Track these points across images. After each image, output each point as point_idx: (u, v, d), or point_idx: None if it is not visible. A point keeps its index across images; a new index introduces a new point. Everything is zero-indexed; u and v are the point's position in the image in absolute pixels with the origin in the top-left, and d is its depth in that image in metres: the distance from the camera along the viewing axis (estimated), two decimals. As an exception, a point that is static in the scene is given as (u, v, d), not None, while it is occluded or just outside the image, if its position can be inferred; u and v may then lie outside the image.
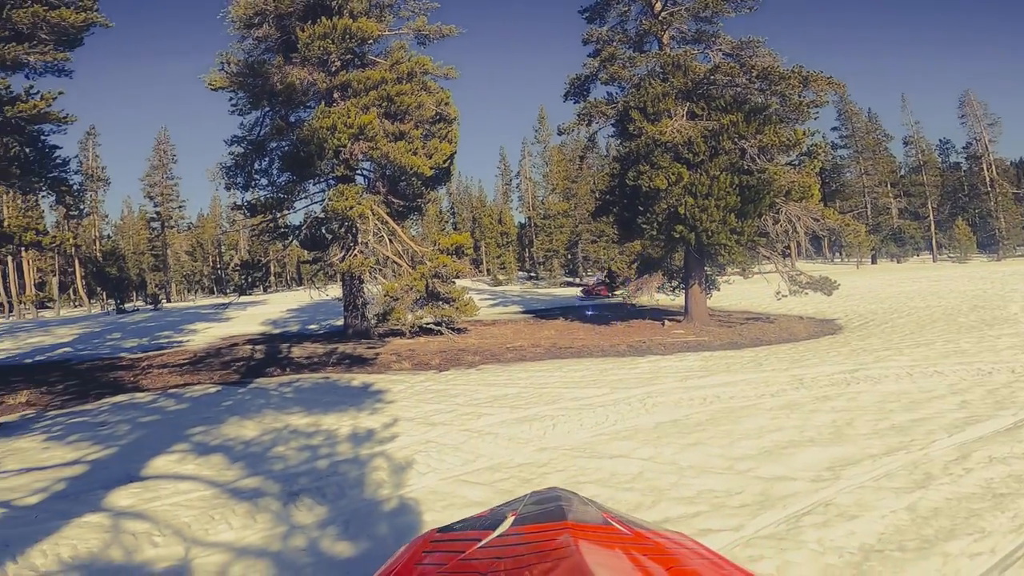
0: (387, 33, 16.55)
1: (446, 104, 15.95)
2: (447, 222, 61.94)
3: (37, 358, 15.26)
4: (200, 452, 6.02)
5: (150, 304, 36.70)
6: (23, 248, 12.83)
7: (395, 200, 16.45)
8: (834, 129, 53.07)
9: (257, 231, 17.59)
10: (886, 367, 8.34)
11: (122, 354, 15.32)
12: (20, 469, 5.71)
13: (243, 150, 16.73)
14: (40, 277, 45.84)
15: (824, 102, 15.56)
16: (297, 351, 14.61)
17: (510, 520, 1.48)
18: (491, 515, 1.65)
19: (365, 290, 16.64)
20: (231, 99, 16.22)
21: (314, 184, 16.94)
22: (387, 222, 15.41)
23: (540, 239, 52.27)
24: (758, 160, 14.96)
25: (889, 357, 9.17)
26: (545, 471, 4.99)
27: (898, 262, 50.17)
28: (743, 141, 14.85)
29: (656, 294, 19.39)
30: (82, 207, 40.02)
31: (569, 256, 51.85)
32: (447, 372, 11.22)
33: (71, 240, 13.47)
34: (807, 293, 16.66)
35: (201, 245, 59.54)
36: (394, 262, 15.29)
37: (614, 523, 1.39)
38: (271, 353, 14.58)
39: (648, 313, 20.07)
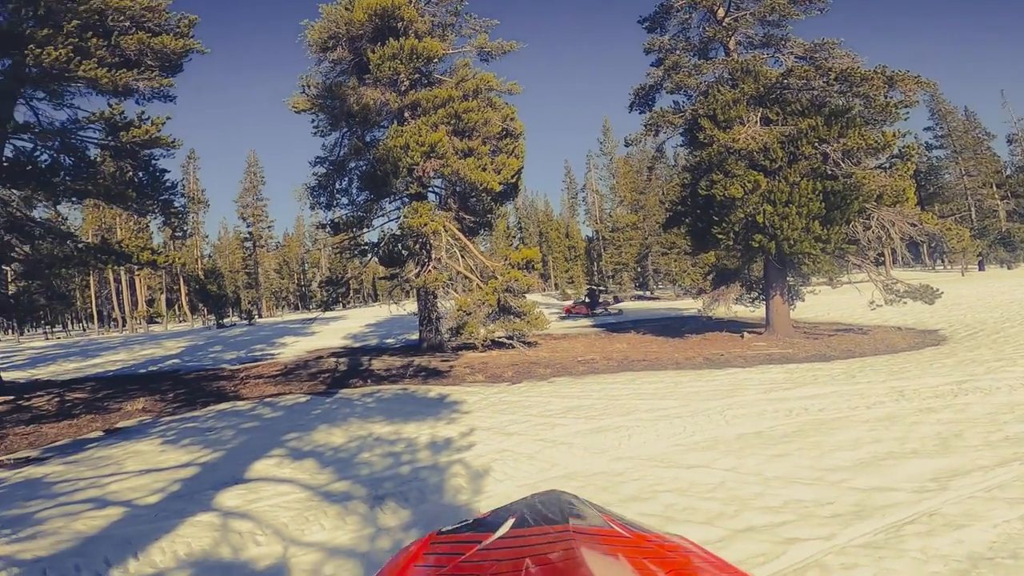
0: (451, 52, 17.04)
1: (511, 119, 16.19)
2: (514, 237, 62.68)
3: (150, 368, 16.90)
4: (295, 457, 6.43)
5: (245, 319, 39.64)
6: (139, 266, 14.12)
7: (466, 216, 16.88)
8: (927, 129, 49.23)
9: (339, 249, 18.60)
10: (998, 378, 7.60)
11: (223, 365, 16.66)
12: (140, 470, 6.21)
13: (325, 170, 17.68)
14: (149, 294, 50.87)
15: (914, 102, 14.53)
16: (377, 364, 15.29)
17: (510, 522, 1.47)
18: (492, 517, 1.65)
19: (439, 305, 17.15)
20: (313, 121, 17.32)
21: (390, 202, 17.60)
22: (459, 238, 15.87)
23: (609, 252, 51.69)
24: (843, 164, 14.15)
25: (1002, 368, 8.34)
26: (621, 480, 4.97)
27: (1008, 268, 45.18)
28: (824, 145, 14.11)
29: (733, 306, 18.64)
30: (186, 228, 43.89)
31: (639, 269, 50.88)
32: (520, 384, 11.36)
33: (180, 260, 14.87)
34: (905, 303, 15.42)
35: (287, 263, 63.67)
36: (466, 277, 15.69)
37: (615, 526, 1.38)
38: (353, 365, 15.35)
39: (725, 325, 19.31)
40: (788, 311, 17.03)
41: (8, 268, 12.97)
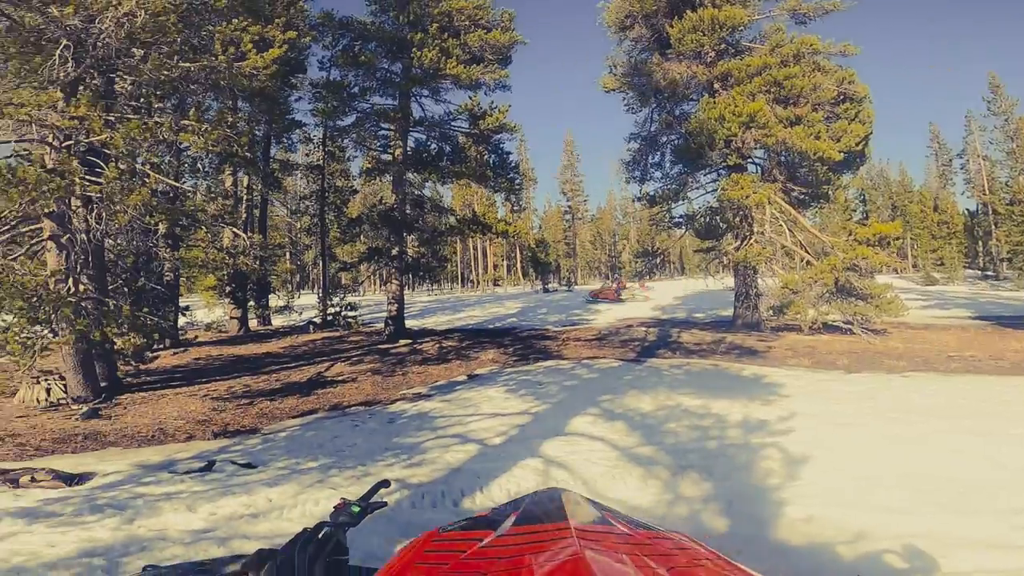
0: (757, 18, 15.58)
1: (850, 83, 14.20)
2: (853, 210, 52.69)
3: (496, 324, 20.52)
4: (607, 418, 6.91)
5: (565, 286, 44.39)
6: (495, 236, 17.23)
7: (794, 187, 15.15)
8: None
9: (652, 221, 18.93)
10: None
11: (548, 327, 19.05)
12: (490, 413, 7.37)
13: (639, 145, 18.13)
14: (494, 261, 61.53)
15: None
16: (686, 336, 15.12)
17: (511, 520, 1.45)
18: (492, 515, 1.62)
19: (759, 282, 15.85)
20: (623, 99, 17.86)
21: (705, 174, 17.11)
22: (786, 211, 14.30)
23: (1004, 229, 38.39)
24: None
25: None
26: (1003, 490, 3.86)
27: None
28: None
29: None
30: (521, 203, 51.35)
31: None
32: (858, 374, 9.63)
33: (523, 231, 17.55)
34: None
35: (600, 235, 67.85)
36: (792, 253, 14.09)
37: (615, 523, 1.38)
38: (662, 336, 15.54)
39: None
40: None
41: (412, 236, 17.48)
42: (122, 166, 8.36)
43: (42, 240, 8.44)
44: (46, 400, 8.29)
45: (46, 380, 8.48)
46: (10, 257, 8.00)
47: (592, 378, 9.90)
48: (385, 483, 1.89)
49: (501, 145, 16.31)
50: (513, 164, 16.63)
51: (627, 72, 16.76)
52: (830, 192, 15.84)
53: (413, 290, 53.72)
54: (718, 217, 16.69)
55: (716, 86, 15.48)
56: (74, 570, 3.23)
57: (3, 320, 7.48)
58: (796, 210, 14.82)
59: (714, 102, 14.36)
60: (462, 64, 14.28)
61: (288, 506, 4.21)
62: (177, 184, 11.40)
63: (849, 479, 4.41)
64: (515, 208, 48.23)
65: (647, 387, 8.69)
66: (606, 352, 13.20)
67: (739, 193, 13.69)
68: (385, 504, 1.87)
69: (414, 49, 13.91)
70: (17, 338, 7.16)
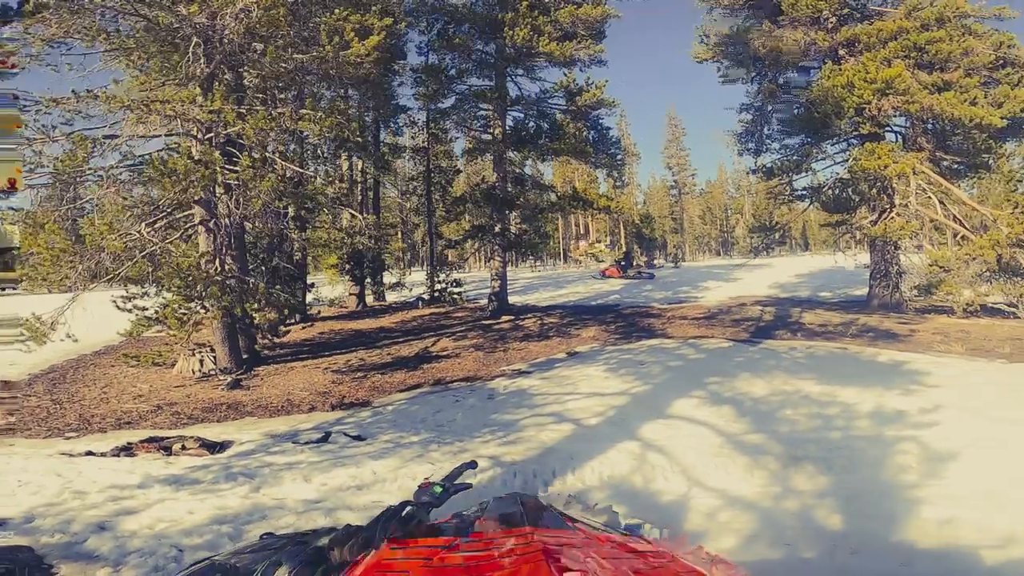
0: None
1: (1009, 47, 12.96)
2: (1019, 180, 44.78)
3: (599, 302, 20.19)
4: (713, 401, 6.52)
5: (671, 262, 42.59)
6: (597, 211, 16.99)
7: (945, 157, 13.71)
8: None
9: (771, 195, 17.56)
10: None
11: (652, 304, 18.38)
12: (588, 392, 7.24)
13: (751, 116, 16.97)
14: (598, 236, 60.55)
15: None
16: (809, 317, 13.84)
17: (473, 527, 1.46)
18: (455, 521, 1.63)
19: (901, 258, 14.14)
20: (717, 69, 16.73)
21: (832, 144, 15.63)
22: (936, 182, 12.75)
23: None
24: None
25: None
26: None
27: None
28: None
29: None
30: (623, 178, 50.03)
31: None
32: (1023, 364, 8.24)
33: (625, 206, 17.05)
34: None
35: (710, 210, 64.16)
36: (945, 227, 12.51)
37: (575, 527, 1.41)
38: (780, 316, 14.37)
39: None
40: None
41: (513, 213, 17.62)
42: (255, 155, 9.20)
43: (193, 225, 9.59)
44: (199, 371, 9.50)
45: (199, 352, 9.70)
46: (168, 241, 9.20)
47: (699, 359, 9.43)
48: (472, 464, 1.90)
49: (600, 121, 16.11)
50: (613, 139, 16.43)
51: (721, 41, 15.74)
52: (991, 161, 14.03)
53: (517, 266, 54.43)
54: (849, 189, 15.13)
55: (841, 52, 14.32)
56: (206, 537, 3.63)
57: (164, 298, 8.62)
58: (948, 180, 13.15)
59: (840, 69, 13.43)
60: (554, 41, 14.10)
61: (389, 479, 4.46)
62: (301, 170, 12.38)
63: (1006, 481, 3.78)
64: (617, 184, 46.93)
65: (761, 370, 8.08)
66: (715, 332, 12.48)
67: (875, 163, 12.30)
68: (470, 486, 1.87)
69: (505, 29, 13.92)
70: (175, 314, 8.23)
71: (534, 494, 2.23)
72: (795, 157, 16.09)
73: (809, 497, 3.90)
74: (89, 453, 5.53)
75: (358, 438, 5.79)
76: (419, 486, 1.78)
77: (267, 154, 10.38)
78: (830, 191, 15.65)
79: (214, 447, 5.62)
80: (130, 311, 8.46)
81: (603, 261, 35.15)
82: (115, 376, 9.66)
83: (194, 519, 3.89)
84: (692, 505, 3.93)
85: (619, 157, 16.98)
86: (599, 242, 46.68)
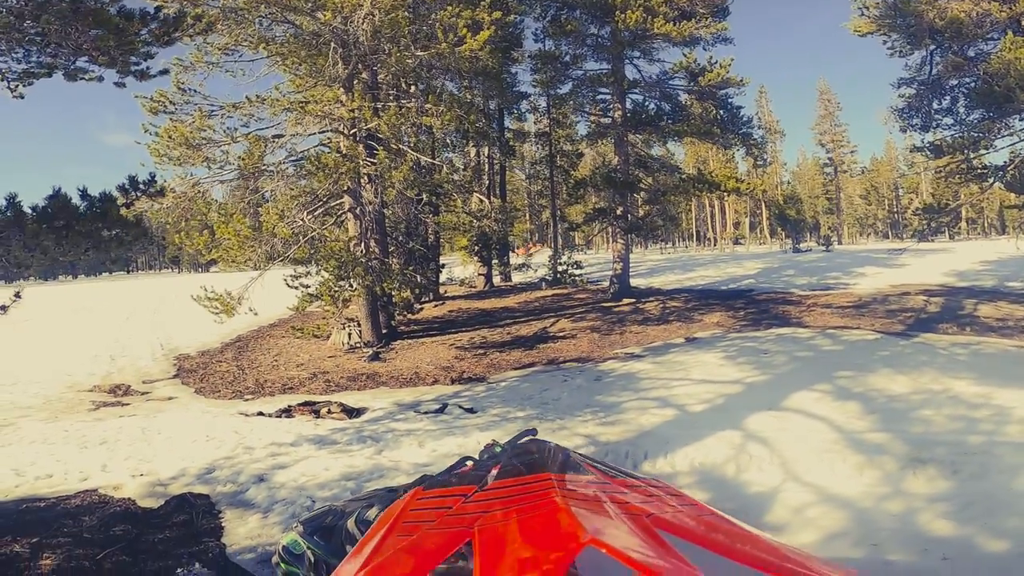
0: None
1: None
2: None
3: (730, 286, 19.09)
4: (838, 396, 6.01)
5: (822, 245, 38.34)
6: (726, 193, 16.12)
7: None
8: None
9: (944, 173, 15.27)
10: None
11: (792, 290, 16.96)
12: (699, 379, 7.04)
13: (915, 91, 14.88)
14: (736, 218, 56.40)
15: None
16: (986, 309, 11.91)
17: (493, 473, 1.49)
18: (475, 470, 1.69)
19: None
20: (884, 42, 14.68)
21: (1020, 119, 13.12)
22: None
23: None
24: None
25: None
26: None
27: None
28: None
29: None
30: (765, 157, 45.98)
31: None
32: None
33: (760, 186, 15.91)
34: None
35: (876, 188, 56.59)
36: None
37: (593, 471, 1.45)
38: (949, 308, 12.53)
39: None
40: None
41: (637, 195, 17.31)
42: (392, 147, 10.23)
43: (343, 212, 10.95)
44: (347, 343, 10.88)
45: (348, 326, 11.10)
46: (325, 227, 10.63)
47: (833, 350, 8.67)
48: (532, 431, 2.18)
49: (729, 100, 15.37)
50: (745, 119, 15.56)
51: (884, 13, 13.87)
52: None
53: (646, 248, 52.90)
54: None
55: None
56: (334, 491, 4.29)
57: (321, 276, 10.02)
58: None
59: (1023, 40, 11.09)
60: (670, 22, 13.62)
61: (490, 449, 4.89)
62: (432, 160, 13.41)
63: None
64: (758, 163, 43.23)
65: (907, 366, 7.24)
66: (862, 322, 11.28)
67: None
68: (534, 430, 2.17)
69: (617, 12, 13.64)
70: (330, 291, 9.55)
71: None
72: (974, 133, 13.89)
73: (919, 500, 3.58)
74: (260, 414, 6.68)
75: (470, 411, 6.35)
76: (485, 446, 2.13)
77: (400, 146, 11.47)
78: (1015, 170, 13.28)
79: (352, 412, 6.54)
80: (296, 288, 9.97)
81: (740, 244, 32.83)
82: (284, 346, 11.44)
83: (328, 475, 4.59)
84: (781, 498, 3.80)
85: (755, 136, 15.99)
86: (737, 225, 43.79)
